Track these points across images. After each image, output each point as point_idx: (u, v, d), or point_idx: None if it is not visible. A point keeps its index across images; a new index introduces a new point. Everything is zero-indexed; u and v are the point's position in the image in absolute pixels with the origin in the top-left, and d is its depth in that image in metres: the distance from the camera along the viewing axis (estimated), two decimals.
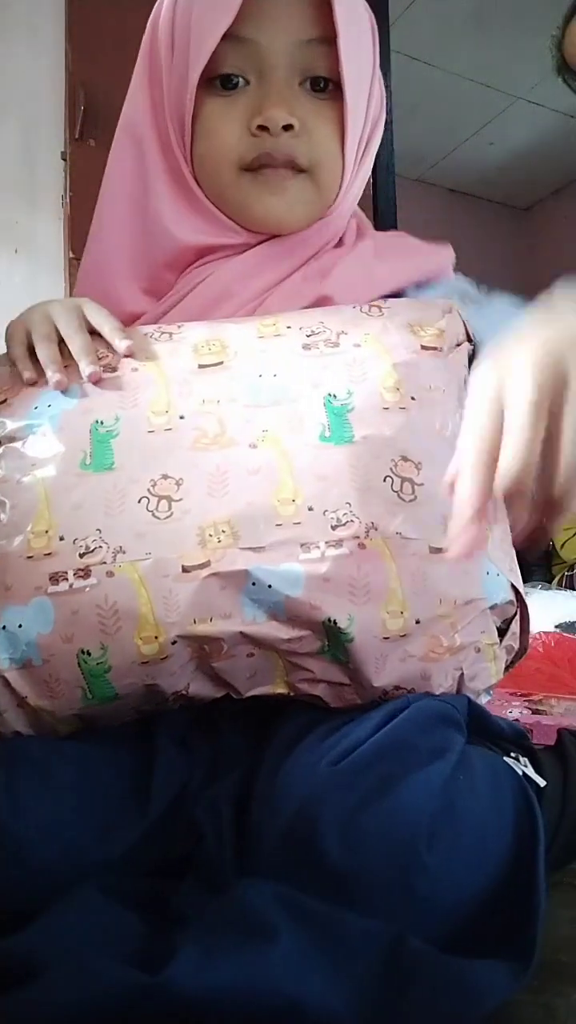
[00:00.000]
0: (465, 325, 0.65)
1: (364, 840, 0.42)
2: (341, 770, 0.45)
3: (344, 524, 0.52)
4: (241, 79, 0.66)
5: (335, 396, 0.57)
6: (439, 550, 0.53)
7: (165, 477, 0.54)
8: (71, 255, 1.91)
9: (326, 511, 0.53)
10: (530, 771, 0.52)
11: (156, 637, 0.51)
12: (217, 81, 0.67)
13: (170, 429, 0.57)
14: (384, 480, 0.54)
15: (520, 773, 0.51)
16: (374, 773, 0.45)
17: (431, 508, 0.54)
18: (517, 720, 0.62)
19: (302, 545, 0.52)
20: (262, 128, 0.65)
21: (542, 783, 0.52)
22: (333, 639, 0.52)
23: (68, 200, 1.95)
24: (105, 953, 0.39)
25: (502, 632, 0.59)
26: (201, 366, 0.61)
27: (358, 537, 0.52)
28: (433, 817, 0.43)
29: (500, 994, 0.39)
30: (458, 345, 0.64)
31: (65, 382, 0.60)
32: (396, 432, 0.56)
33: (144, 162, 0.71)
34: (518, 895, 0.44)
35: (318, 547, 0.52)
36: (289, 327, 0.63)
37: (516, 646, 0.60)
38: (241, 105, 0.66)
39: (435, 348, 0.61)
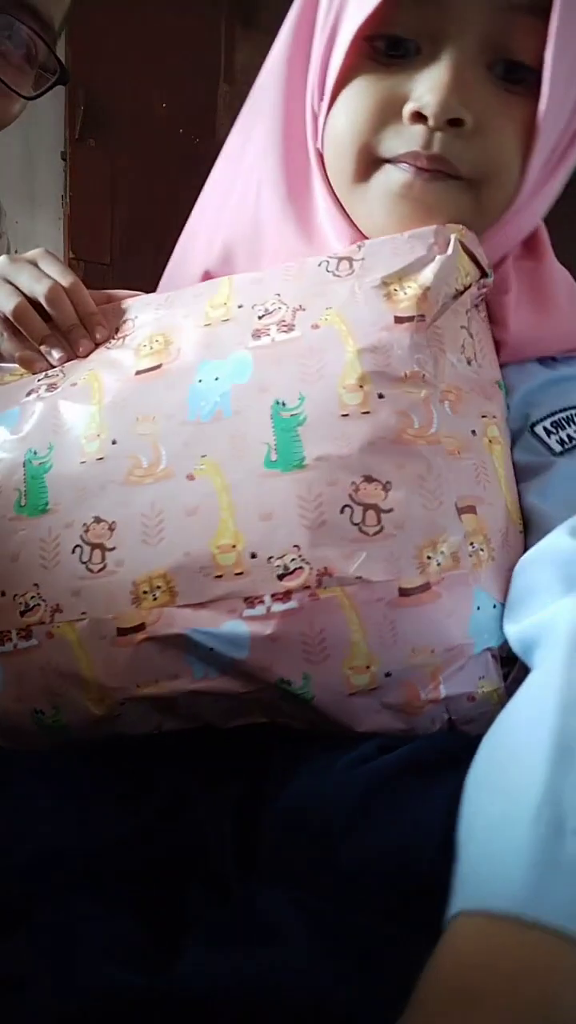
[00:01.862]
0: (476, 259, 0.51)
1: (376, 841, 0.40)
2: (356, 774, 0.43)
3: (292, 573, 0.43)
4: (414, 44, 0.49)
5: (284, 404, 0.47)
6: (411, 591, 0.44)
7: (98, 520, 0.48)
8: (71, 255, 1.90)
9: (271, 558, 0.44)
10: None
11: (102, 700, 0.46)
12: (382, 43, 0.50)
13: (102, 458, 0.49)
14: (342, 511, 0.44)
15: None
16: (388, 778, 0.42)
17: (402, 539, 0.44)
18: None
19: (246, 599, 0.44)
20: (419, 117, 0.49)
21: None
22: (290, 697, 0.45)
23: (68, 200, 1.94)
24: (102, 956, 0.37)
25: (512, 660, 0.48)
26: (138, 372, 0.52)
27: (309, 587, 0.43)
28: (446, 821, 0.40)
29: None
30: (456, 296, 0.50)
31: (66, 356, 0.56)
32: (357, 447, 0.45)
33: (263, 129, 0.57)
34: None
35: (263, 602, 0.44)
36: (241, 306, 0.52)
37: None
38: (403, 78, 0.50)
39: (413, 318, 0.48)
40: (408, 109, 0.49)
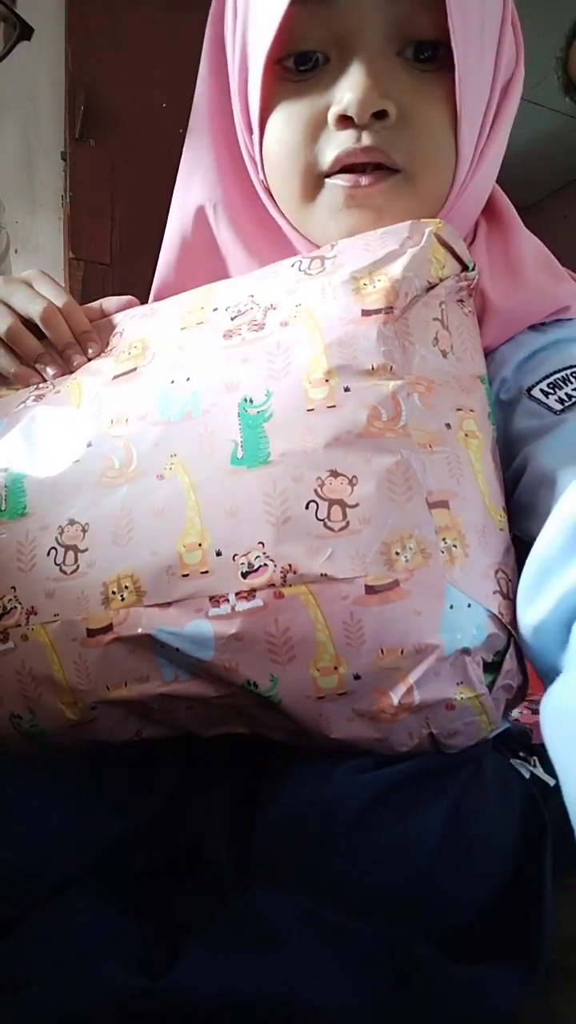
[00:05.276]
0: (454, 251, 0.50)
1: (373, 849, 0.40)
2: (358, 782, 0.42)
3: (256, 570, 0.43)
4: (320, 56, 0.50)
5: (251, 401, 0.46)
6: (378, 588, 0.42)
7: (72, 523, 0.48)
8: (71, 255, 1.90)
9: (236, 555, 0.43)
10: (539, 771, 0.49)
11: (75, 703, 0.46)
12: (292, 61, 0.51)
13: (78, 460, 0.49)
14: (307, 507, 0.43)
15: (527, 775, 0.49)
16: (390, 788, 0.42)
17: (368, 535, 0.42)
18: (517, 720, 0.61)
19: (211, 598, 0.43)
20: (345, 119, 0.49)
21: (551, 782, 0.49)
22: (260, 700, 0.44)
23: (68, 200, 1.94)
24: (102, 957, 0.36)
25: (496, 666, 0.45)
26: (115, 377, 0.52)
27: (273, 585, 0.42)
28: (443, 829, 0.41)
29: (509, 1002, 0.38)
30: (429, 289, 0.49)
31: (60, 372, 0.57)
32: (322, 442, 0.44)
33: (212, 168, 0.58)
34: (525, 899, 0.43)
35: (228, 600, 0.43)
36: (216, 309, 0.52)
37: (516, 684, 0.47)
38: (318, 90, 0.50)
39: (380, 310, 0.46)
40: (332, 114, 0.49)
